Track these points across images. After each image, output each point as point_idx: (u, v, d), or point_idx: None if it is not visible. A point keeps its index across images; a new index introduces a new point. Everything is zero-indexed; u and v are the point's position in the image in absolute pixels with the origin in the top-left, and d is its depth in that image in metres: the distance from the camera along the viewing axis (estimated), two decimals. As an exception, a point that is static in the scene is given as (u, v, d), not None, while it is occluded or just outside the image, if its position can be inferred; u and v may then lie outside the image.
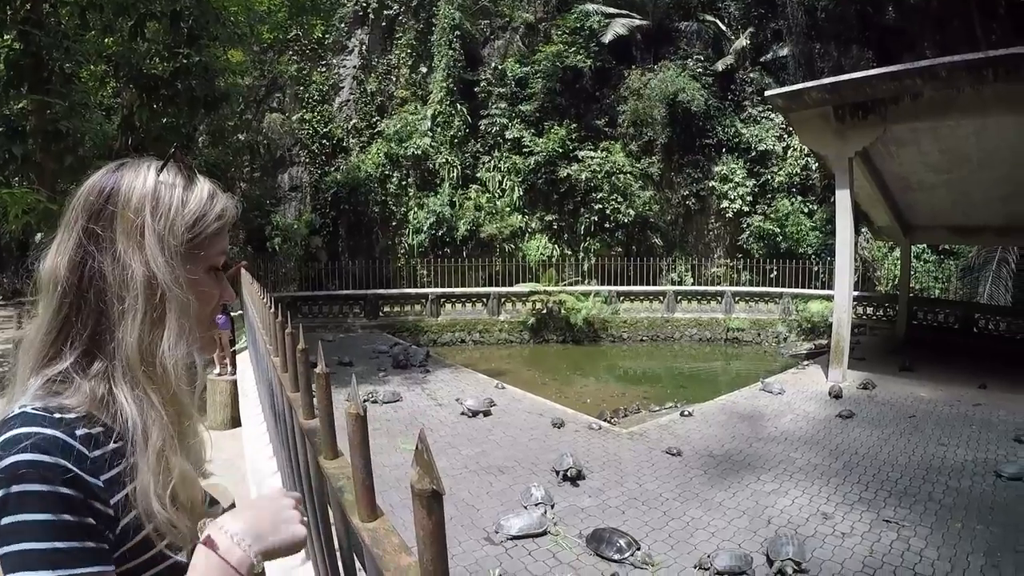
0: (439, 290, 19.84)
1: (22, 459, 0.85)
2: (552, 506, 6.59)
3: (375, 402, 10.45)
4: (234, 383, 9.80)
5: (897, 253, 18.93)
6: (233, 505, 3.18)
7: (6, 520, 0.83)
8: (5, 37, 11.19)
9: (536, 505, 6.51)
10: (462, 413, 9.99)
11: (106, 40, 12.91)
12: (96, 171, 1.07)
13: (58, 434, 0.89)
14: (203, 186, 1.11)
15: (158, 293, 1.00)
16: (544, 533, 5.99)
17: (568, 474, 7.24)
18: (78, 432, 0.91)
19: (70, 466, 0.87)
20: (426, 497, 0.66)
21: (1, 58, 10.88)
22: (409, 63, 23.66)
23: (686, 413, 10.26)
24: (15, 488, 0.84)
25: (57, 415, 0.92)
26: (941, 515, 6.42)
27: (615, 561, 5.52)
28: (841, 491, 7.05)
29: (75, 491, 0.87)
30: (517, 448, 8.55)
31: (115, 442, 0.95)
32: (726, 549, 5.65)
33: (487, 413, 10.01)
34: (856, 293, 15.67)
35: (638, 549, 5.63)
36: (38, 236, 9.08)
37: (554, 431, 9.31)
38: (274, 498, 1.02)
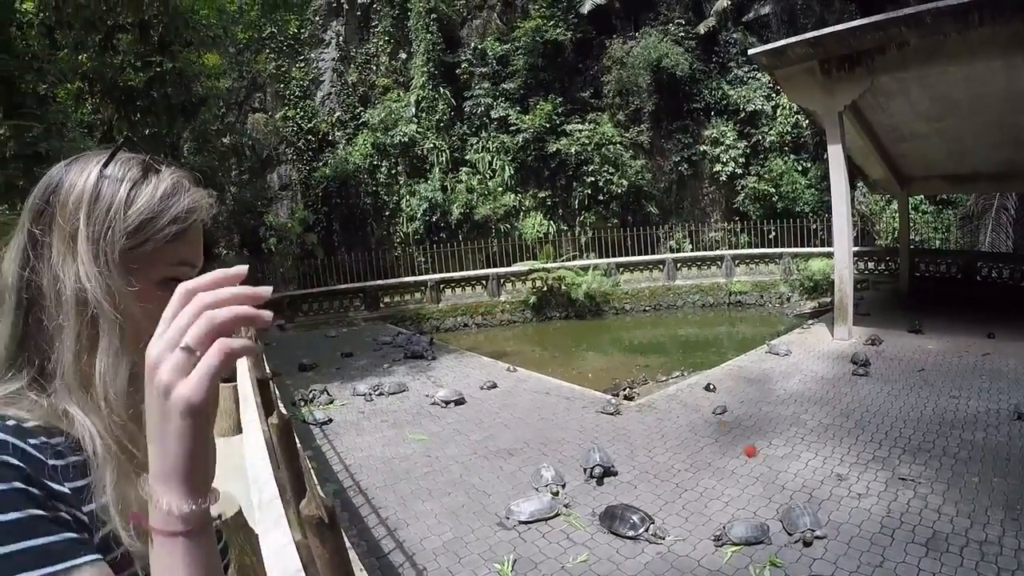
0: (438, 276, 19.74)
1: None
2: (563, 486, 6.54)
3: (381, 394, 10.43)
4: (235, 388, 9.68)
5: (895, 206, 18.77)
6: (240, 512, 3.10)
7: None
8: None
9: (546, 486, 6.46)
10: (433, 403, 9.81)
11: (80, 57, 12.73)
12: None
13: (8, 438, 0.78)
14: (162, 182, 0.94)
15: (89, 310, 0.86)
16: (556, 516, 5.93)
17: (593, 472, 6.71)
18: (32, 440, 0.81)
19: (23, 465, 0.76)
20: (314, 524, 0.57)
21: None
22: (388, 50, 23.37)
23: (711, 388, 9.67)
24: None
25: (11, 422, 0.81)
26: (957, 469, 6.35)
27: (629, 538, 5.46)
28: (854, 451, 6.98)
29: (37, 489, 0.76)
30: (525, 429, 8.50)
31: (76, 455, 0.85)
32: (742, 519, 5.60)
33: (460, 402, 9.82)
34: (856, 248, 15.54)
35: (652, 524, 5.58)
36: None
37: (561, 410, 9.26)
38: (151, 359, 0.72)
